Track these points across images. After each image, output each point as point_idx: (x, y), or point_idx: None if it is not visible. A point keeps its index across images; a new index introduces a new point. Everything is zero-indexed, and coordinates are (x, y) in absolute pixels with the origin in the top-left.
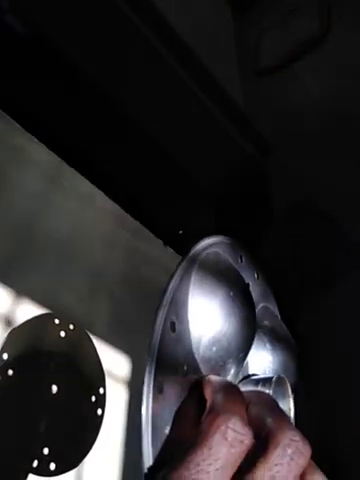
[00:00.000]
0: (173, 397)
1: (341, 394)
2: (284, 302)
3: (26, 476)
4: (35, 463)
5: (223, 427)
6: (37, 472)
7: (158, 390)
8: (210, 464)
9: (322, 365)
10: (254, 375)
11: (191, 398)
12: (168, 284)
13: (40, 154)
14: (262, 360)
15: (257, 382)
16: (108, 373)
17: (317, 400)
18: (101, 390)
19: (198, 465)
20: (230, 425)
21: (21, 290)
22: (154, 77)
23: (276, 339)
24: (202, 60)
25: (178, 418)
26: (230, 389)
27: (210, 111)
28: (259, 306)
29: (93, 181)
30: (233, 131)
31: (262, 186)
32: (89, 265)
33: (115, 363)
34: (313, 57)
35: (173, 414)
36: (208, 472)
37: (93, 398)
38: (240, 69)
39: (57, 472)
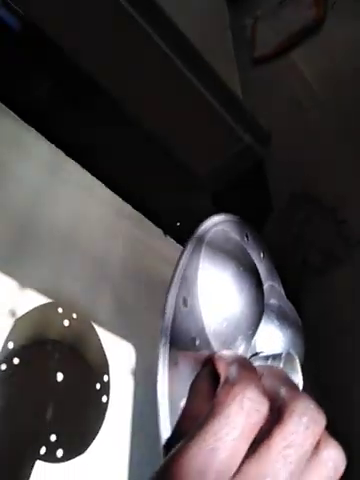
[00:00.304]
0: (187, 370)
1: (343, 375)
2: (285, 286)
3: (34, 463)
4: (43, 450)
5: (239, 397)
6: (45, 459)
7: (173, 363)
8: (227, 433)
9: (322, 345)
10: (263, 352)
11: (204, 373)
12: (179, 261)
13: (40, 147)
14: (270, 337)
15: (267, 358)
16: (112, 361)
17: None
18: (105, 378)
19: (215, 435)
20: (247, 394)
21: (25, 281)
22: (151, 68)
23: (283, 316)
24: (199, 51)
25: (193, 392)
26: (243, 361)
27: (208, 101)
28: (266, 284)
29: (93, 173)
30: (231, 121)
31: (261, 175)
32: (91, 255)
33: (119, 351)
34: (309, 44)
35: (187, 388)
36: (225, 441)
37: (98, 385)
38: (237, 59)
39: (64, 458)
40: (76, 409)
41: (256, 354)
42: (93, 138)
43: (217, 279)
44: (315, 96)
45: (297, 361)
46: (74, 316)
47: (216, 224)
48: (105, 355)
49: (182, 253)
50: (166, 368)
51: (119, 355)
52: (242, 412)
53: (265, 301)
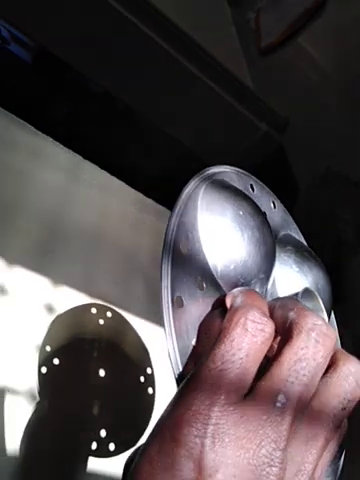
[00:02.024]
0: (196, 312)
1: None
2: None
3: (86, 459)
4: (94, 445)
5: (242, 319)
6: (97, 454)
7: (178, 304)
8: (234, 354)
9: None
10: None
11: (215, 311)
12: (173, 210)
13: (57, 152)
14: (291, 282)
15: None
16: (152, 350)
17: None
18: (149, 370)
19: (223, 357)
20: (249, 317)
21: (58, 279)
22: (160, 70)
23: (302, 260)
24: (206, 49)
25: (203, 330)
26: (249, 291)
27: (220, 96)
28: (281, 234)
29: (112, 172)
30: (245, 112)
31: (282, 161)
32: (119, 250)
33: (156, 340)
34: (315, 27)
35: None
36: (233, 362)
37: (141, 378)
38: (245, 52)
39: (117, 452)
40: (123, 403)
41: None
42: (111, 139)
43: (217, 223)
44: (326, 76)
45: (319, 299)
46: (108, 314)
47: (214, 174)
48: (145, 348)
49: (176, 203)
50: (170, 307)
51: (159, 343)
52: (246, 333)
53: (281, 248)
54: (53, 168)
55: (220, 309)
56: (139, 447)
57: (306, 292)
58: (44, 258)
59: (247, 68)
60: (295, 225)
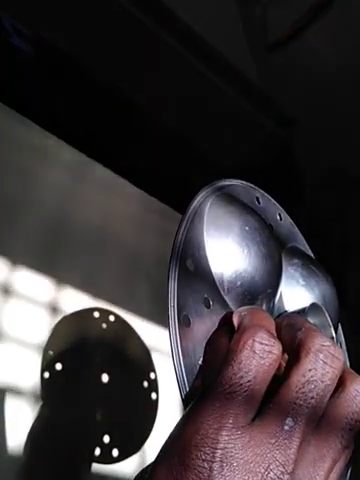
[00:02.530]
0: (202, 330)
1: None
2: (329, 270)
3: (90, 465)
4: (97, 451)
5: (250, 341)
6: (100, 460)
7: (185, 323)
8: (242, 377)
9: None
10: (287, 311)
11: (222, 329)
12: (179, 227)
13: (62, 151)
14: (298, 297)
15: (290, 315)
16: (156, 352)
17: None
18: (152, 375)
19: (230, 379)
20: (256, 339)
21: (62, 279)
22: (165, 67)
23: (309, 274)
24: (213, 45)
25: (210, 348)
26: (256, 310)
27: (226, 93)
28: (287, 246)
29: (117, 171)
30: (251, 109)
31: (288, 159)
32: (123, 249)
33: (161, 341)
34: (322, 22)
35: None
36: (241, 384)
37: (145, 384)
38: (251, 49)
39: (120, 458)
40: (126, 409)
41: (282, 313)
42: (113, 137)
43: (223, 240)
44: (334, 71)
45: (326, 314)
46: (111, 318)
47: (219, 188)
48: (149, 353)
49: (182, 220)
50: (177, 327)
51: (163, 348)
52: (254, 355)
53: (288, 262)
54: (58, 167)
55: (226, 327)
56: (146, 467)
57: (313, 307)
58: (48, 258)
59: (254, 64)
60: (301, 236)
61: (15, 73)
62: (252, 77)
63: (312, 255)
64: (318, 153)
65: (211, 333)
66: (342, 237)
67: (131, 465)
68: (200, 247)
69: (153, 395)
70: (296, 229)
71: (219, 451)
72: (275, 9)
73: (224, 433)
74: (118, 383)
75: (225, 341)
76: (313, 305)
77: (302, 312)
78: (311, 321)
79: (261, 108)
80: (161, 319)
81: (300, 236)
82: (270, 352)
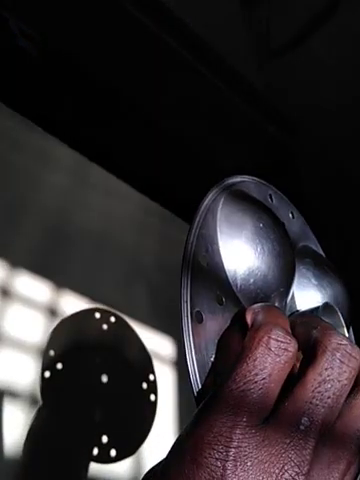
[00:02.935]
0: (215, 327)
1: None
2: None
3: (88, 465)
4: (95, 451)
5: (265, 338)
6: (98, 460)
7: (197, 320)
8: (257, 374)
9: None
10: (300, 310)
11: (234, 326)
12: (193, 222)
13: (64, 155)
14: (309, 296)
15: (303, 314)
16: (155, 356)
17: None
18: (151, 377)
19: (245, 377)
20: (272, 336)
21: (61, 282)
22: (169, 72)
23: (321, 274)
24: (216, 50)
25: (222, 345)
26: (271, 307)
27: (229, 98)
28: (299, 245)
29: (118, 175)
30: (254, 115)
31: (290, 164)
32: (123, 253)
33: (160, 345)
34: (326, 29)
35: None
36: (256, 382)
37: (144, 385)
38: (255, 54)
39: (118, 458)
40: (125, 409)
41: (295, 312)
42: (116, 141)
43: (236, 236)
44: (336, 79)
45: (339, 314)
46: (112, 319)
47: (232, 185)
48: (148, 355)
49: (195, 216)
50: (190, 324)
51: (161, 348)
52: (270, 352)
53: (300, 261)
54: (59, 170)
55: (239, 324)
56: (156, 465)
57: (326, 307)
58: (48, 261)
59: (257, 70)
60: (313, 236)
61: (19, 75)
62: (255, 82)
63: (323, 255)
64: (320, 159)
65: (223, 330)
66: (343, 242)
67: (129, 465)
68: (213, 243)
69: (152, 397)
70: (308, 228)
71: (233, 450)
72: (279, 15)
73: (238, 431)
74: (117, 384)
75: (238, 338)
76: (326, 305)
77: (315, 311)
78: (324, 317)
79: (264, 113)
80: (160, 322)
81: (312, 235)
82: (286, 350)
